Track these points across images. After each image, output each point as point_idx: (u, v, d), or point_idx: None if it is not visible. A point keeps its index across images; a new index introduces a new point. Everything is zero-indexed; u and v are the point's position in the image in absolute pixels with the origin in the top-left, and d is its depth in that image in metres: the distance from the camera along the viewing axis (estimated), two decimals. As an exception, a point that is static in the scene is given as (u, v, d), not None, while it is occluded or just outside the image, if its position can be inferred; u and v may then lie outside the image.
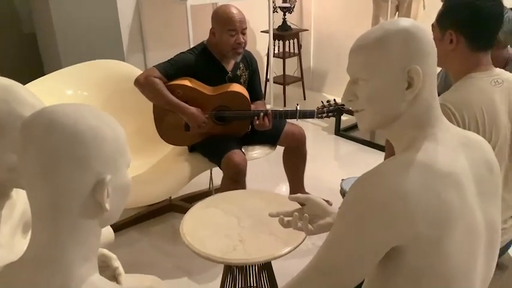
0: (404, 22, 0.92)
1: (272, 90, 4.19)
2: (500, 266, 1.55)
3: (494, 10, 1.31)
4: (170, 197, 2.73)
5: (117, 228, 2.45)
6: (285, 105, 4.41)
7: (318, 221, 1.21)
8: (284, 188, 2.87)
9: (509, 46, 1.97)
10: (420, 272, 0.88)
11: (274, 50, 4.32)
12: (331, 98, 2.40)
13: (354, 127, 3.88)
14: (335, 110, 2.29)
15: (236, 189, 2.07)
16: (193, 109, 2.21)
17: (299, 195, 1.26)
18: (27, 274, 0.69)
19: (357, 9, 4.02)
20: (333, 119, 3.84)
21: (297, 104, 2.33)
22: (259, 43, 4.45)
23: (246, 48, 2.37)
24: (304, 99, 4.61)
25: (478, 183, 0.94)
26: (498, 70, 1.41)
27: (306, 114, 2.29)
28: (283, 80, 4.38)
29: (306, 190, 2.61)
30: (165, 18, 3.75)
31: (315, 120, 4.10)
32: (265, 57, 4.39)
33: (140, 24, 3.71)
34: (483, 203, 0.95)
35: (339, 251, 0.90)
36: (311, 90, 4.78)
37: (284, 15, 4.29)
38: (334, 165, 3.47)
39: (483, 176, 0.96)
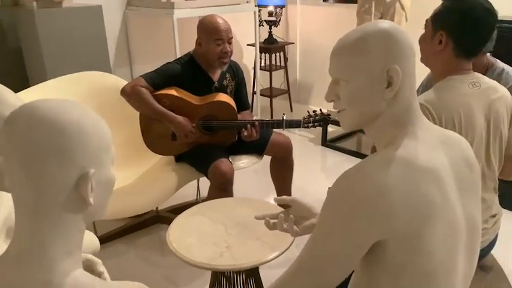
0: (384, 24, 0.95)
1: (259, 103, 4.22)
2: (484, 268, 1.58)
3: (488, 21, 1.35)
4: (157, 208, 2.72)
5: (104, 240, 2.42)
6: (272, 117, 4.44)
7: (304, 222, 1.22)
8: (272, 197, 2.87)
9: (488, 54, 2.03)
10: (402, 268, 0.89)
11: (260, 62, 4.36)
12: (317, 109, 2.43)
13: (341, 138, 3.93)
14: (321, 120, 2.32)
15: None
16: (180, 118, 2.22)
17: (285, 197, 1.27)
18: (10, 269, 0.68)
19: (340, 23, 4.09)
20: (319, 130, 3.88)
21: (284, 114, 2.35)
22: (246, 56, 4.50)
23: (233, 59, 2.40)
24: (291, 111, 4.64)
25: (458, 180, 0.96)
26: (477, 74, 1.46)
27: (292, 124, 2.31)
28: (270, 93, 4.42)
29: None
30: (152, 31, 3.78)
31: (302, 132, 4.14)
32: (252, 71, 4.43)
33: (127, 37, 3.73)
34: (463, 200, 0.96)
35: (323, 249, 0.91)
36: (298, 102, 4.83)
37: (270, 28, 4.35)
38: (321, 175, 3.49)
39: (463, 173, 0.98)
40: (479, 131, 1.39)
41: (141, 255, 2.45)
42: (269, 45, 4.33)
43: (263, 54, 4.42)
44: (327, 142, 3.85)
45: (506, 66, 1.92)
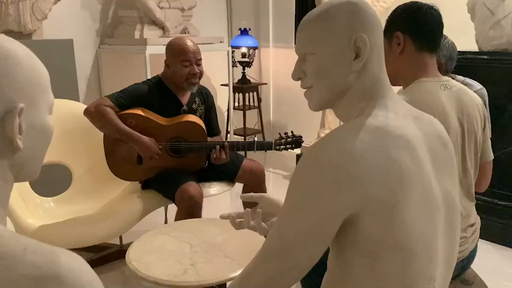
0: None
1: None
2: (465, 281, 1.48)
3: (433, 13, 1.39)
4: (121, 242, 2.55)
5: (61, 275, 2.22)
6: (245, 156, 4.37)
7: (272, 219, 1.13)
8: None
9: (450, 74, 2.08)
10: (377, 245, 0.80)
11: (234, 102, 4.36)
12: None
13: (315, 175, 3.86)
14: (293, 142, 2.26)
15: (191, 222, 1.94)
16: (145, 138, 2.13)
17: (252, 194, 1.18)
18: None
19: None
20: (293, 167, 3.81)
21: (254, 136, 2.30)
22: (220, 97, 4.49)
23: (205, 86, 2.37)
24: (265, 151, 4.58)
25: (432, 155, 0.90)
26: (446, 77, 1.45)
27: (263, 146, 2.25)
28: (244, 132, 4.37)
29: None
30: (124, 68, 3.76)
31: (276, 169, 4.07)
32: (226, 112, 4.41)
33: (98, 74, 3.69)
34: (439, 176, 0.90)
35: (290, 226, 0.82)
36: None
37: (243, 69, 4.39)
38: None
39: (437, 149, 0.93)
40: (454, 133, 1.35)
41: (102, 291, 2.25)
42: (242, 85, 4.34)
43: (237, 94, 4.42)
44: (302, 179, 3.77)
45: (464, 78, 2.12)
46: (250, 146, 2.22)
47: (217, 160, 2.19)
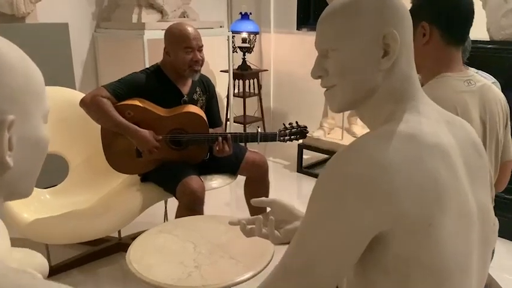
0: None
1: (232, 130, 4.07)
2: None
3: (469, 3, 1.29)
4: (119, 235, 2.48)
5: (59, 268, 2.17)
6: (245, 145, 4.29)
7: (286, 226, 1.05)
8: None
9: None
10: (407, 264, 0.72)
11: (234, 89, 4.26)
12: (293, 121, 2.29)
13: (317, 164, 3.80)
14: (298, 133, 2.19)
15: (193, 217, 1.87)
16: (144, 132, 2.03)
17: (263, 198, 1.10)
18: None
19: (314, 51, 3.99)
20: (294, 156, 3.75)
21: (258, 127, 2.21)
22: (220, 83, 4.38)
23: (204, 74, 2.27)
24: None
25: (467, 163, 0.82)
26: (471, 72, 1.37)
27: (267, 137, 2.17)
28: (244, 120, 4.29)
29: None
30: (121, 53, 3.64)
31: (277, 158, 4.00)
32: (226, 99, 4.31)
33: (95, 59, 3.58)
34: (474, 187, 0.82)
35: (312, 243, 0.74)
36: (272, 130, 4.70)
37: (244, 55, 4.28)
38: (297, 203, 3.25)
39: (471, 156, 0.85)
40: (476, 130, 1.28)
41: (101, 286, 2.19)
42: (243, 72, 4.24)
43: (237, 81, 4.32)
44: (303, 169, 3.71)
45: (477, 70, 1.96)
46: (253, 138, 2.14)
47: (220, 152, 2.11)
